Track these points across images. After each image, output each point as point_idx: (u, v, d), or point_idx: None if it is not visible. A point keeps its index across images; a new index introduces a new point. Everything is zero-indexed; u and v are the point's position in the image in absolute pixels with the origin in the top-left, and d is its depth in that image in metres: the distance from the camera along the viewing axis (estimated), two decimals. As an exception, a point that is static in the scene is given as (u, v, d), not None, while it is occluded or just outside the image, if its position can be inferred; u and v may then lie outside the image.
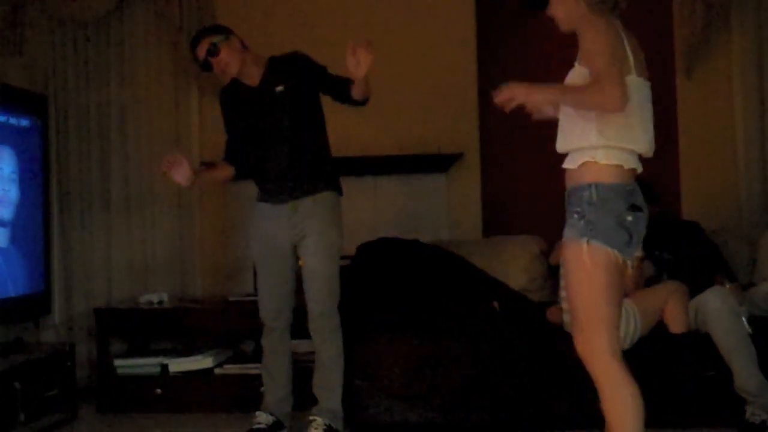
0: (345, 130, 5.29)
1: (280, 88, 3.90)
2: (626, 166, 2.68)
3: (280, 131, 3.90)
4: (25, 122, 4.75)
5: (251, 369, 4.55)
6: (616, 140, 2.67)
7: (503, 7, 5.37)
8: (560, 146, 2.80)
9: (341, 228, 3.94)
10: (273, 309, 3.98)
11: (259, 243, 3.98)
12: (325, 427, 3.87)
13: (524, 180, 5.34)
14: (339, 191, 3.98)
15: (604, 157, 2.68)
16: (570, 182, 2.75)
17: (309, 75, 3.94)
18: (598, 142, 2.68)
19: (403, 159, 5.29)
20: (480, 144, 5.34)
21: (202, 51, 3.87)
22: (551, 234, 4.65)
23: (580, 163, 2.71)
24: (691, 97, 5.17)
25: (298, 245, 3.91)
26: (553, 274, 4.66)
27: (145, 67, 5.43)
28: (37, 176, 4.84)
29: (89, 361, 5.14)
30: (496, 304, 4.35)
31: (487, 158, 5.37)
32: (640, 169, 2.74)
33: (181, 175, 3.82)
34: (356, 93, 3.82)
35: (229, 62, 3.88)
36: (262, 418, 3.98)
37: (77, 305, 5.35)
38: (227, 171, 4.05)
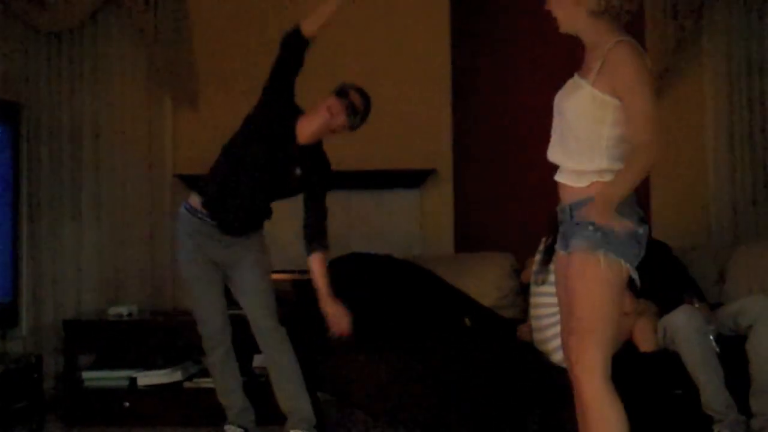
0: (319, 145, 5.33)
1: (299, 172, 3.89)
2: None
3: (265, 191, 3.91)
4: (-4, 131, 4.71)
5: (221, 383, 4.52)
6: (622, 162, 2.66)
7: (478, 22, 5.41)
8: (562, 161, 2.76)
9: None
10: (221, 324, 3.95)
11: (195, 257, 3.93)
12: None
13: (497, 197, 5.37)
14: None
15: (611, 177, 2.67)
16: (572, 196, 2.71)
17: (319, 184, 3.95)
18: (609, 166, 2.67)
19: (376, 174, 5.30)
20: (453, 160, 5.37)
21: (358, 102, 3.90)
22: (523, 251, 4.69)
23: (589, 182, 2.69)
24: (661, 118, 5.19)
25: (229, 267, 3.92)
26: (524, 291, 4.68)
27: (119, 77, 5.41)
28: (7, 185, 4.80)
29: (56, 373, 5.08)
30: (467, 320, 4.36)
31: (460, 174, 5.39)
32: None
33: None
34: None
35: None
36: (232, 431, 3.97)
37: (45, 316, 5.30)
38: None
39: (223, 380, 4.02)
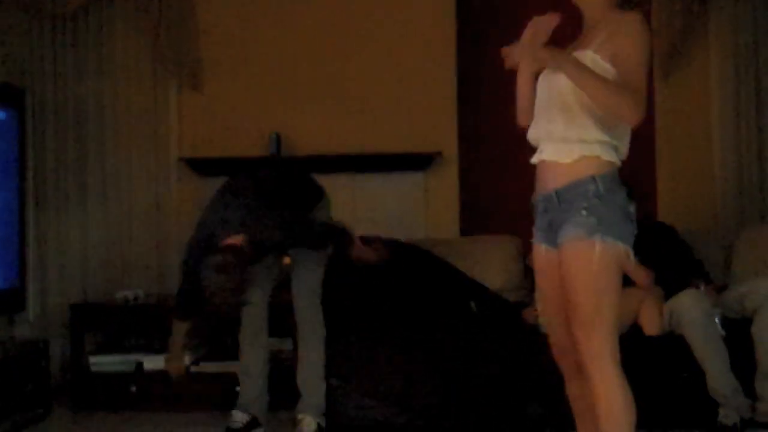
0: (324, 128, 5.32)
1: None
2: (618, 165, 2.61)
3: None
4: (1, 115, 4.71)
5: (227, 367, 4.54)
6: (616, 139, 2.59)
7: (484, 5, 5.38)
8: (546, 133, 2.63)
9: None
10: (256, 300, 3.91)
11: None
12: (316, 427, 3.88)
13: (502, 180, 5.35)
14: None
15: (604, 153, 2.57)
16: (561, 178, 2.58)
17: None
18: (602, 137, 2.57)
19: (382, 157, 5.29)
20: (458, 143, 5.35)
21: None
22: (529, 234, 4.67)
23: (576, 157, 2.57)
24: (668, 100, 5.19)
25: None
26: (530, 274, 4.68)
27: (123, 60, 5.39)
28: (13, 170, 4.80)
29: (63, 357, 5.10)
30: (472, 304, 4.36)
31: (466, 157, 5.38)
32: None
33: None
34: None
35: None
36: (238, 417, 3.98)
37: (52, 301, 5.31)
38: None
39: (246, 359, 4.02)
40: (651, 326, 4.01)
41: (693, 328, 3.87)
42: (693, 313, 3.88)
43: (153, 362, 4.71)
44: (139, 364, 4.73)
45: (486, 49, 5.42)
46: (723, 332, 3.91)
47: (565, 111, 2.59)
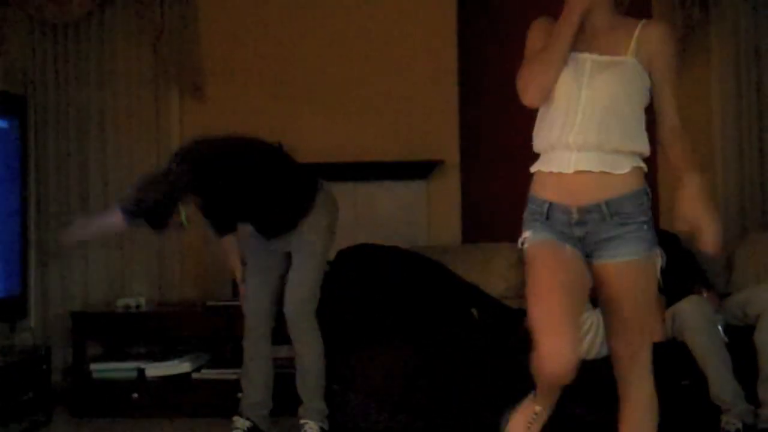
0: (325, 136, 5.32)
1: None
2: None
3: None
4: (3, 123, 4.72)
5: (229, 374, 4.53)
6: (647, 147, 2.57)
7: (485, 12, 5.38)
8: (597, 142, 2.46)
9: (330, 234, 3.99)
10: (260, 307, 3.99)
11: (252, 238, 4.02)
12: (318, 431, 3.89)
13: (504, 187, 5.34)
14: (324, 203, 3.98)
15: (643, 164, 2.55)
16: (613, 189, 2.46)
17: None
18: (646, 148, 2.55)
19: (383, 165, 5.29)
20: (460, 151, 5.36)
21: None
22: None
23: (629, 169, 2.49)
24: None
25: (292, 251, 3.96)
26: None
27: (125, 68, 5.40)
28: (14, 177, 4.80)
29: (65, 364, 5.10)
30: (474, 311, 4.36)
31: (467, 165, 5.38)
32: None
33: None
34: None
35: None
36: (239, 423, 3.98)
37: (54, 308, 5.31)
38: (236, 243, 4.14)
39: (249, 366, 4.02)
40: (653, 333, 3.99)
41: (695, 334, 3.86)
42: (695, 319, 3.88)
43: (154, 369, 4.71)
44: (141, 372, 4.73)
45: (488, 56, 5.45)
46: (725, 338, 3.91)
47: (621, 121, 2.49)
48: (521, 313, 4.42)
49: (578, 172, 2.48)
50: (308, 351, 3.93)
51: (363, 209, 5.30)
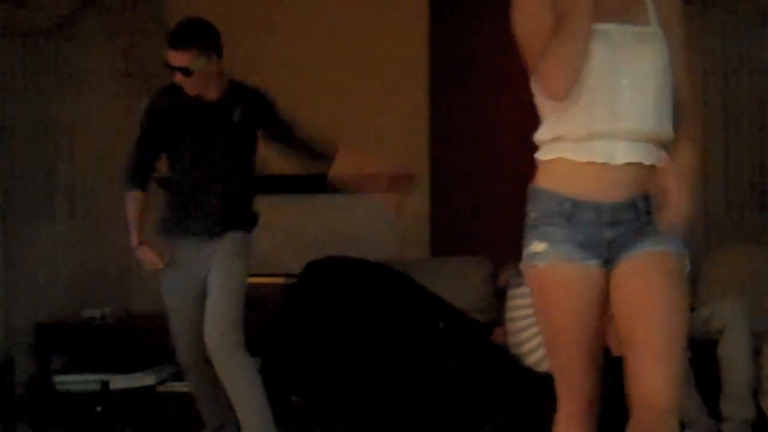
0: (295, 148, 5.32)
1: (238, 115, 3.73)
2: None
3: (222, 157, 3.74)
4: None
5: (195, 387, 4.50)
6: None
7: (457, 26, 5.41)
8: (656, 130, 2.10)
9: (246, 261, 3.75)
10: (185, 345, 3.78)
11: (171, 276, 3.78)
12: None
13: (473, 200, 5.38)
14: (250, 228, 3.82)
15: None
16: (646, 183, 2.09)
17: (266, 115, 3.84)
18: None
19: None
20: (430, 163, 5.37)
21: (178, 61, 3.61)
22: (499, 255, 4.70)
23: (664, 159, 2.12)
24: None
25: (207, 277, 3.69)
26: (500, 295, 4.70)
27: (96, 77, 5.36)
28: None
29: (28, 376, 5.03)
30: (441, 324, 4.38)
31: (437, 178, 5.40)
32: None
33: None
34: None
35: (205, 86, 3.69)
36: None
37: (17, 319, 5.24)
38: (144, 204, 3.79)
39: (200, 401, 3.91)
40: (618, 347, 4.03)
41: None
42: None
43: (119, 382, 4.66)
44: (105, 384, 4.67)
45: (459, 68, 5.48)
46: (689, 354, 3.94)
47: (659, 100, 2.10)
48: (489, 327, 4.46)
49: (628, 164, 2.10)
50: (242, 387, 3.62)
51: (332, 221, 5.30)
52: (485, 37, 5.33)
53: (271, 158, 5.37)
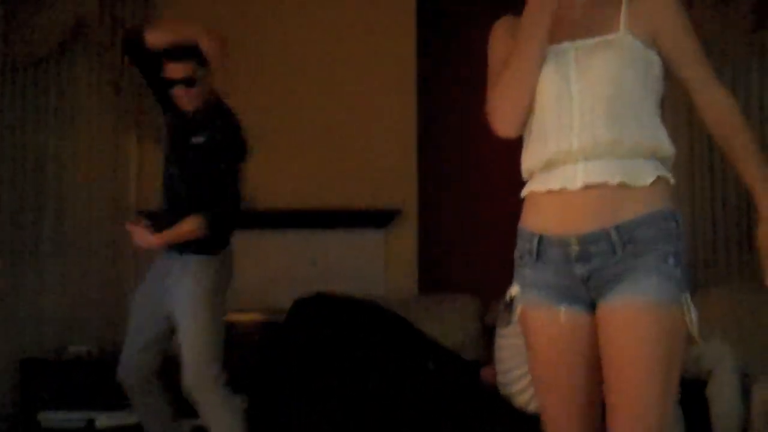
0: (281, 182, 5.31)
1: (200, 140, 3.70)
2: None
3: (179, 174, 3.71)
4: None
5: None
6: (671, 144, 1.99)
7: (445, 57, 5.43)
8: (607, 139, 1.88)
9: (211, 291, 3.64)
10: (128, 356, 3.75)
11: (147, 280, 3.81)
12: None
13: (462, 238, 5.38)
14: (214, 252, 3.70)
15: (670, 176, 1.94)
16: (628, 209, 1.87)
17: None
18: (671, 149, 1.95)
19: (341, 214, 5.30)
20: (418, 200, 5.38)
21: (180, 72, 3.61)
22: (488, 293, 4.69)
23: (653, 178, 1.89)
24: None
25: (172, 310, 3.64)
26: (488, 333, 4.68)
27: (84, 111, 5.37)
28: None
29: (14, 412, 4.97)
30: (430, 363, 4.35)
31: (425, 215, 5.41)
32: None
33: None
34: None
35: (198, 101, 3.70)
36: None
37: (3, 355, 5.19)
38: None
39: (140, 414, 3.83)
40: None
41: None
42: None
43: (104, 419, 4.61)
44: (90, 421, 4.63)
45: (448, 105, 5.50)
46: (678, 393, 3.93)
47: (633, 110, 1.91)
48: (477, 365, 4.43)
49: (588, 187, 1.90)
50: (224, 426, 3.55)
51: (320, 258, 5.29)
52: (474, 74, 5.34)
53: (259, 193, 5.41)
